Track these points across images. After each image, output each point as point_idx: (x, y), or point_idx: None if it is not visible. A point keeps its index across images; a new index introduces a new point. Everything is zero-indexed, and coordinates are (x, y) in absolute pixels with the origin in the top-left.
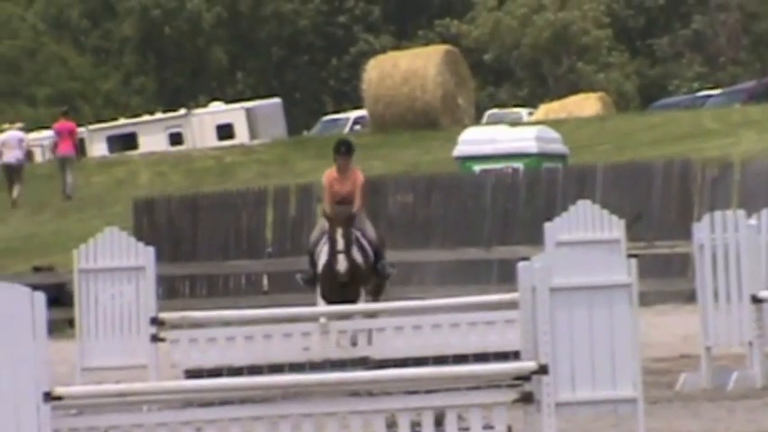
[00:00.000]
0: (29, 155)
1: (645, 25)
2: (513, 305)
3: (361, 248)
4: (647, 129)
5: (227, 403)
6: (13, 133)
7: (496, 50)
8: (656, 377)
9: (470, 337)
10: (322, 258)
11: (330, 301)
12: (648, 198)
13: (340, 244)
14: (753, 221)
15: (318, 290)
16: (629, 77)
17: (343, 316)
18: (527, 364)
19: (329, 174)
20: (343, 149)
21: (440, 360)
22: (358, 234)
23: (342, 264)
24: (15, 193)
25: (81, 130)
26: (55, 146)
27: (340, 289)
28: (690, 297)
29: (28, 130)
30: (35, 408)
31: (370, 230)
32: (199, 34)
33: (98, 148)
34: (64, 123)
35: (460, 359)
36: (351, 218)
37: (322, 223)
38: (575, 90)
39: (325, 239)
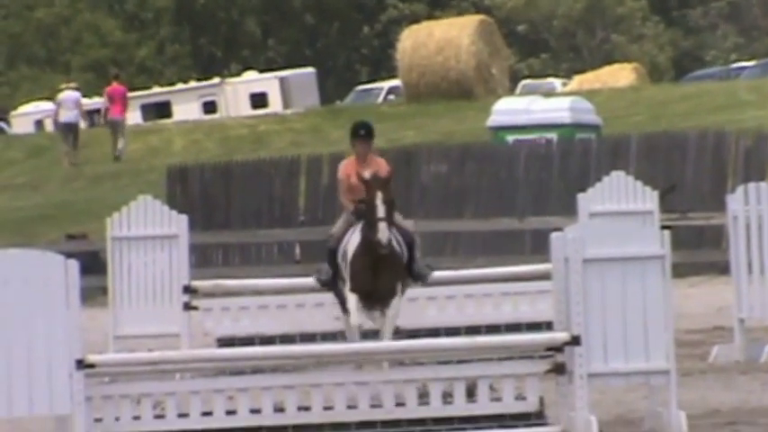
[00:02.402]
0: (83, 116)
1: None
2: (546, 276)
3: (398, 244)
4: (682, 99)
5: (258, 372)
6: (69, 93)
7: (531, 21)
8: (689, 349)
9: (503, 307)
10: (353, 242)
11: (363, 292)
12: (682, 169)
13: (380, 210)
14: None
15: (347, 284)
16: (663, 49)
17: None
18: (559, 335)
19: (346, 165)
20: (363, 132)
21: (472, 330)
22: (393, 230)
23: (383, 233)
24: (70, 151)
25: None
26: (107, 110)
27: (375, 273)
28: (723, 269)
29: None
30: (68, 375)
31: (405, 223)
32: (232, 3)
33: (132, 117)
34: (116, 87)
35: (493, 330)
36: (389, 181)
37: (347, 218)
38: (609, 61)
39: (351, 231)
